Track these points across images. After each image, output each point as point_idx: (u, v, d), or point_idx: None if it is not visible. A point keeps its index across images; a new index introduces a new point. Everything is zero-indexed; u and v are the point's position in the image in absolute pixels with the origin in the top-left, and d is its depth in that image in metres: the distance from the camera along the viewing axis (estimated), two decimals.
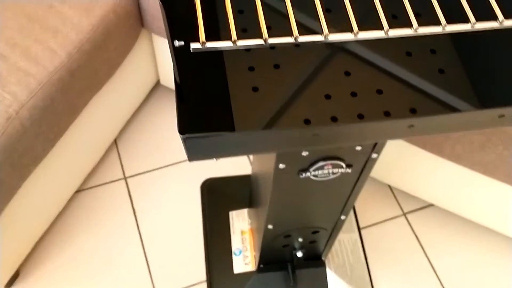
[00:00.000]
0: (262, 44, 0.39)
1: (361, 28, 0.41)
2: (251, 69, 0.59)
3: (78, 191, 1.24)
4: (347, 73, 0.58)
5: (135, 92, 1.27)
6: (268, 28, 0.40)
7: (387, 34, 0.41)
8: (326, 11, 0.72)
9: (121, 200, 1.26)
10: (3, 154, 0.86)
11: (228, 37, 0.39)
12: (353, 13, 0.41)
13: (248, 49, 0.68)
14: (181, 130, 0.43)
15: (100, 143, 1.23)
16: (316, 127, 0.48)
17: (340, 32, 0.40)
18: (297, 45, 0.69)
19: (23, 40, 0.93)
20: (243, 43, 0.39)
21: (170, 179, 1.29)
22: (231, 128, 0.44)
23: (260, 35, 0.39)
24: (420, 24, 0.43)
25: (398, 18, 0.59)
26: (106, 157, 1.30)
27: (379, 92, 0.57)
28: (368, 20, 0.44)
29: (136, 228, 1.23)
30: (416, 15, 0.44)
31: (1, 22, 0.94)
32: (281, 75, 0.54)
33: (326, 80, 0.56)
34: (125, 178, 1.28)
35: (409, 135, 0.54)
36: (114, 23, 1.01)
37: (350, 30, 0.40)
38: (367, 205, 1.30)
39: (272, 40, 0.40)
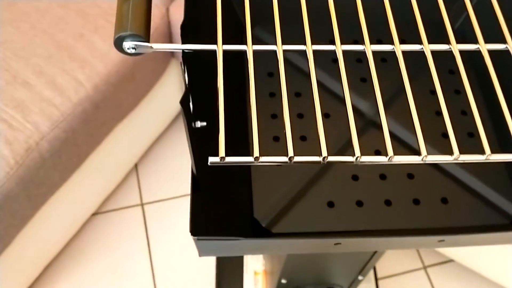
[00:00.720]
0: (286, 162, 0.36)
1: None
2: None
3: (94, 214, 1.23)
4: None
5: (159, 119, 1.25)
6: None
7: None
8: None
9: (136, 227, 1.24)
10: (19, 186, 0.85)
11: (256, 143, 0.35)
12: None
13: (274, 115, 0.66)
14: (193, 231, 0.40)
15: (120, 169, 1.21)
16: (338, 237, 0.45)
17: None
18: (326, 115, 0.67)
19: (50, 69, 0.92)
20: (267, 159, 0.36)
21: (187, 210, 1.26)
22: (247, 234, 0.41)
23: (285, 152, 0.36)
24: None
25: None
26: (125, 182, 1.28)
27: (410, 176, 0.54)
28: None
29: (148, 256, 1.21)
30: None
31: (30, 49, 0.92)
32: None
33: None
34: (142, 205, 1.27)
35: (438, 247, 0.50)
36: (144, 55, 0.99)
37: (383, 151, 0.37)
38: (388, 255, 1.26)
39: (298, 159, 0.37)
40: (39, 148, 0.87)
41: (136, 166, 1.31)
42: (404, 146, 0.63)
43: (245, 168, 0.49)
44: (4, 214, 0.85)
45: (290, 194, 0.52)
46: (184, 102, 0.39)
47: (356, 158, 0.37)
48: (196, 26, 0.44)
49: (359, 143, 0.37)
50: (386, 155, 0.36)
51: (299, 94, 0.68)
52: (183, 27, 0.41)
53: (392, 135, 0.66)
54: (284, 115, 0.38)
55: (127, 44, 0.41)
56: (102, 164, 1.09)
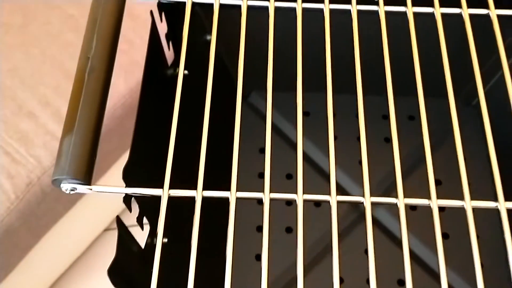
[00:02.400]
0: None
1: None
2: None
3: (106, 230, 1.23)
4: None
5: None
6: None
7: None
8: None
9: None
10: (19, 220, 0.85)
11: None
12: None
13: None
14: None
15: None
16: None
17: None
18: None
19: (57, 100, 0.90)
20: None
21: None
22: None
23: None
24: None
25: None
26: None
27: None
28: None
29: None
30: None
31: (38, 77, 0.91)
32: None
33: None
34: None
35: None
36: None
37: None
38: None
39: None
40: (41, 182, 0.86)
41: None
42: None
43: None
44: (5, 247, 0.86)
45: None
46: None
47: None
48: (143, 167, 0.41)
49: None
50: None
51: (291, 176, 0.64)
52: (126, 170, 0.38)
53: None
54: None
55: (65, 186, 0.38)
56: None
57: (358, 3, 0.46)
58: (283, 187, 0.38)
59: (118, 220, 0.40)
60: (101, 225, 1.17)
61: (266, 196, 0.38)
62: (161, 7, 0.46)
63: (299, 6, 0.45)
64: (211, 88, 0.42)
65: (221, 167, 0.45)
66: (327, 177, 0.66)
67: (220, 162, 0.46)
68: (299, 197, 0.38)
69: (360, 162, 0.40)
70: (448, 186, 0.62)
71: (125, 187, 0.38)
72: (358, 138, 0.67)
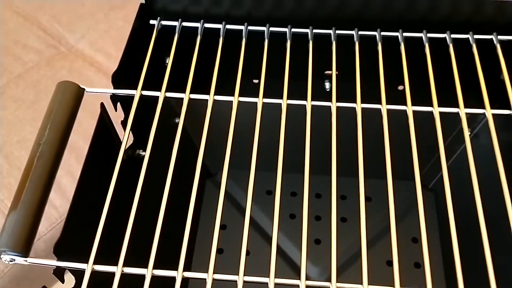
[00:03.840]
0: None
1: None
2: None
3: None
4: None
5: None
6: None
7: None
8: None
9: None
10: (12, 282, 0.90)
11: None
12: None
13: None
14: None
15: None
16: None
17: None
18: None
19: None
20: None
21: None
22: None
23: None
24: None
25: None
26: None
27: None
28: None
29: None
30: None
31: None
32: None
33: None
34: None
35: None
36: None
37: None
38: None
39: None
40: (35, 248, 0.92)
41: None
42: None
43: None
44: None
45: None
46: None
47: None
48: (75, 242, 0.46)
49: None
50: None
51: (248, 252, 0.67)
52: (58, 244, 0.43)
53: None
54: None
55: (5, 257, 0.43)
56: None
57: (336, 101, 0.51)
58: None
59: None
60: None
61: (240, 278, 0.41)
62: (114, 99, 0.52)
63: (262, 102, 0.51)
64: (144, 168, 0.47)
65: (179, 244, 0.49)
66: (283, 256, 0.69)
67: (178, 239, 0.50)
68: (271, 281, 0.41)
69: (317, 241, 0.44)
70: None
71: (57, 260, 0.43)
72: (316, 218, 0.71)
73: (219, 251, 0.67)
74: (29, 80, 1.10)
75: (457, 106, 0.51)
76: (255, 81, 0.65)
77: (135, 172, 0.48)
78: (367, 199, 0.72)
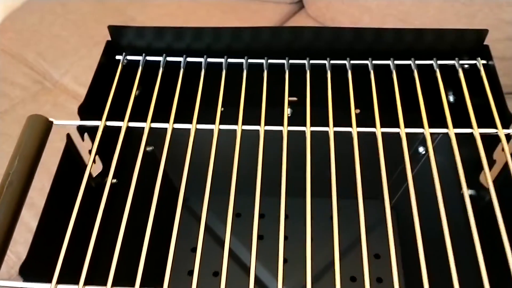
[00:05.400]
0: None
1: None
2: None
3: None
4: None
5: None
6: None
7: None
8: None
9: None
10: None
11: None
12: None
13: None
14: None
15: None
16: None
17: None
18: None
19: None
20: None
21: None
22: None
23: None
24: None
25: None
26: None
27: None
28: None
29: None
30: None
31: None
32: None
33: None
34: None
35: None
36: None
37: None
38: None
39: None
40: (16, 269, 0.94)
41: None
42: None
43: None
44: None
45: None
46: None
47: None
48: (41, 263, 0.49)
49: None
50: None
51: (217, 273, 0.70)
52: (23, 266, 0.46)
53: None
54: None
55: None
56: None
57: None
58: (210, 285, 0.44)
59: None
60: None
61: None
62: (80, 129, 0.56)
63: (239, 129, 0.55)
64: (106, 192, 0.50)
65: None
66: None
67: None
68: None
69: (284, 261, 0.47)
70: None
71: (23, 281, 0.46)
72: (285, 238, 0.74)
73: (189, 273, 0.70)
74: (15, 115, 1.14)
75: (417, 127, 0.54)
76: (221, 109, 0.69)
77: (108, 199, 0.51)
78: (330, 218, 0.75)
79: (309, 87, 0.58)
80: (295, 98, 0.63)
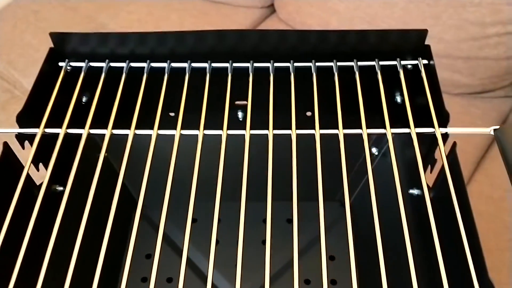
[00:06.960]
0: None
1: None
2: None
3: None
4: None
5: None
6: None
7: None
8: None
9: None
10: None
11: None
12: None
13: None
14: None
15: None
16: None
17: None
18: None
19: None
20: None
21: None
22: None
23: None
24: None
25: None
26: None
27: None
28: None
29: None
30: None
31: None
32: None
33: None
34: None
35: None
36: None
37: None
38: None
39: None
40: None
41: None
42: None
43: None
44: None
45: None
46: None
47: None
48: None
49: None
50: None
51: (171, 279, 0.69)
52: None
53: None
54: None
55: None
56: None
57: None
58: None
59: None
60: None
61: None
62: (20, 137, 0.55)
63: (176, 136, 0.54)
64: (38, 201, 0.50)
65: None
66: (203, 278, 0.72)
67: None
68: None
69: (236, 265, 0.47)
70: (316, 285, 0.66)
71: None
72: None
73: (143, 279, 0.69)
74: None
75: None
76: (171, 114, 0.68)
77: (54, 206, 0.51)
78: (288, 221, 0.75)
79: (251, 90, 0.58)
80: (245, 102, 0.63)
